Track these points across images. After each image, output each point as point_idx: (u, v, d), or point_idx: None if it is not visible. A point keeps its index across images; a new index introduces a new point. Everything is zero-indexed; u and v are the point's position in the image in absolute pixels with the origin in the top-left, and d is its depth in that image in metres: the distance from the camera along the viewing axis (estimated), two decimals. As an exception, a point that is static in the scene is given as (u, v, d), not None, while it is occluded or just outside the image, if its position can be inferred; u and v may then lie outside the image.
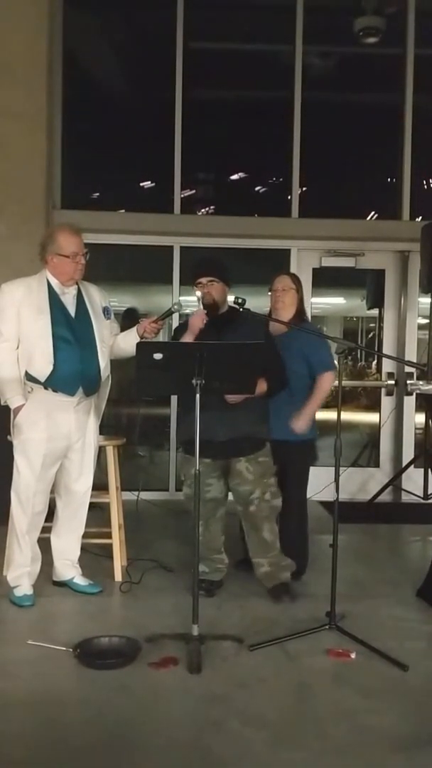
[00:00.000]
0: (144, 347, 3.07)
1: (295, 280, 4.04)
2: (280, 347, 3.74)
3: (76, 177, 6.13)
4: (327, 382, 3.82)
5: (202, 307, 3.44)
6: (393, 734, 2.44)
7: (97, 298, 3.60)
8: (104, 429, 3.87)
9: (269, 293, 4.06)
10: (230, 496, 3.68)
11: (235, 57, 6.53)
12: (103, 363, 3.51)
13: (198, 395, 2.95)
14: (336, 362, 3.34)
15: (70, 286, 3.48)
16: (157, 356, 2.97)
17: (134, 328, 3.60)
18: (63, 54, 5.94)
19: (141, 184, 6.62)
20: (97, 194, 6.56)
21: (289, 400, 3.77)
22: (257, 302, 6.07)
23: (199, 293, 3.46)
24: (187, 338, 3.40)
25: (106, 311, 3.61)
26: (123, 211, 6.30)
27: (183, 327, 3.59)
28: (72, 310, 3.48)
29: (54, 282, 3.46)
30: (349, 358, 7.75)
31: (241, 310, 3.50)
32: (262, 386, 3.48)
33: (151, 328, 3.54)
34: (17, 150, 5.51)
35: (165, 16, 6.08)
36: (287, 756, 2.31)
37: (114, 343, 3.61)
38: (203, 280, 3.55)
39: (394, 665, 2.91)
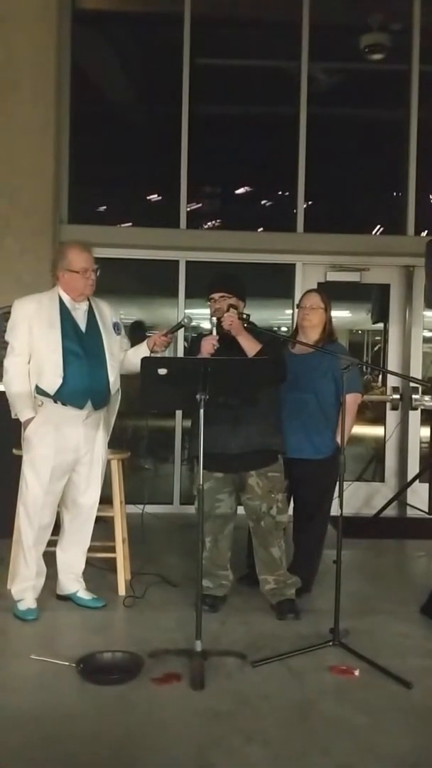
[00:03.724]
0: (149, 362, 3.08)
1: (324, 298, 3.95)
2: (308, 366, 3.76)
3: (83, 191, 6.17)
4: (352, 402, 3.77)
5: (215, 332, 3.43)
6: (396, 752, 2.43)
7: (107, 313, 3.64)
8: (109, 442, 3.87)
9: (297, 308, 4.04)
10: (239, 510, 3.68)
11: (241, 73, 6.58)
12: (112, 377, 3.54)
13: (202, 410, 2.96)
14: (343, 379, 3.33)
15: (81, 302, 3.53)
16: (162, 371, 2.98)
17: (144, 343, 3.63)
18: (71, 69, 5.99)
19: (148, 198, 6.66)
20: (104, 208, 6.61)
21: (321, 417, 3.79)
22: (263, 315, 6.13)
23: (214, 319, 3.46)
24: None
25: (116, 327, 3.65)
26: (130, 224, 6.34)
27: (195, 343, 3.61)
28: (83, 325, 3.52)
29: (65, 298, 3.51)
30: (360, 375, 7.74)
31: (245, 325, 3.52)
32: (258, 345, 3.46)
33: (161, 341, 3.57)
34: (25, 165, 5.56)
35: (172, 32, 6.14)
36: (290, 774, 2.30)
37: (124, 358, 3.64)
38: (215, 295, 3.58)
39: (398, 683, 2.90)
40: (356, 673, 2.99)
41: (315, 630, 3.37)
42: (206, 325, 3.54)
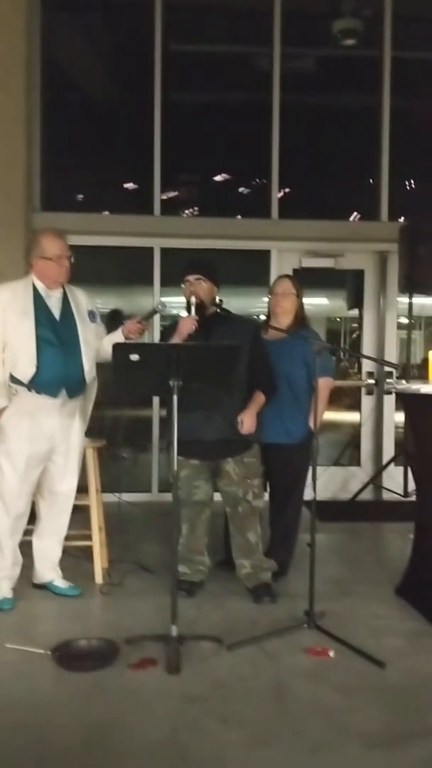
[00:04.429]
0: (120, 349, 3.06)
1: (296, 284, 3.98)
2: (280, 352, 3.76)
3: (57, 179, 6.12)
4: (324, 386, 3.80)
5: (194, 312, 3.44)
6: (370, 731, 2.46)
7: (82, 301, 3.62)
8: (85, 431, 3.87)
9: (269, 296, 4.06)
10: (216, 497, 3.69)
11: (214, 59, 6.55)
12: (87, 366, 3.52)
13: (175, 396, 2.96)
14: (315, 363, 3.36)
15: (55, 289, 3.50)
16: (134, 357, 2.97)
17: (119, 330, 3.61)
18: (42, 56, 5.93)
19: (125, 186, 6.62)
20: (81, 196, 6.56)
21: (294, 402, 3.81)
22: (240, 303, 6.13)
23: (193, 299, 3.45)
24: (175, 341, 3.40)
25: (91, 314, 3.63)
26: (107, 212, 6.30)
27: (171, 328, 3.59)
28: (57, 312, 3.50)
29: (39, 285, 3.48)
30: (333, 358, 7.79)
31: (218, 310, 3.53)
32: (260, 398, 3.57)
33: (135, 328, 3.56)
34: (-5, 152, 5.50)
35: (144, 19, 6.09)
36: (264, 755, 2.32)
37: (100, 346, 3.62)
38: (191, 278, 3.57)
39: (371, 663, 2.93)
40: (331, 654, 3.02)
41: (291, 613, 3.40)
42: (184, 314, 3.52)
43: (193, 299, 3.45)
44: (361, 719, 2.54)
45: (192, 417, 3.35)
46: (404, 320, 6.11)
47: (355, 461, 6.31)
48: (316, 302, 7.26)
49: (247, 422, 3.49)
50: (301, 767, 2.28)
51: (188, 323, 3.40)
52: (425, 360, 7.99)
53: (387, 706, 2.64)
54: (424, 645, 3.17)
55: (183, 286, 3.61)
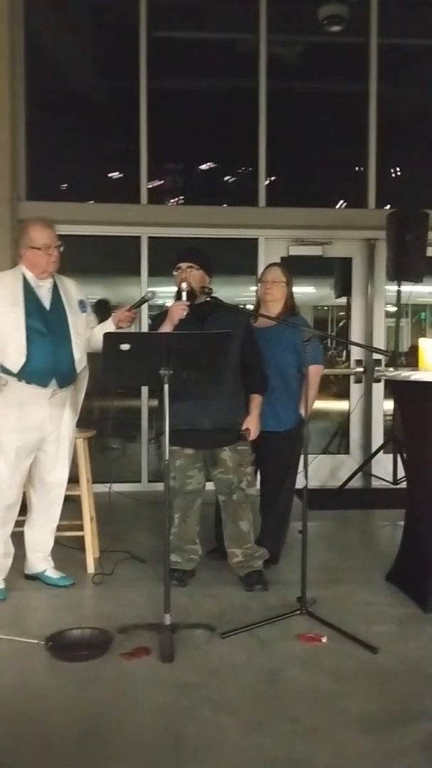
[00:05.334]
0: (111, 338, 3.04)
1: (285, 272, 3.98)
2: (270, 339, 3.76)
3: (43, 168, 6.07)
4: (314, 374, 3.81)
5: (185, 297, 3.43)
6: (363, 716, 2.48)
7: (72, 291, 3.60)
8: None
9: (258, 284, 4.05)
10: (208, 486, 3.70)
11: (200, 46, 6.50)
12: (78, 355, 3.51)
13: (166, 386, 2.95)
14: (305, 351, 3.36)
15: (44, 279, 3.48)
16: (124, 347, 2.95)
17: (110, 319, 3.61)
18: (25, 43, 5.86)
19: (109, 176, 6.57)
20: (65, 186, 6.51)
21: (284, 390, 3.82)
22: (228, 292, 6.12)
23: (184, 285, 3.44)
24: (166, 327, 3.40)
25: (81, 304, 3.61)
26: (92, 202, 6.26)
27: (161, 315, 3.58)
28: (47, 302, 3.48)
29: (29, 275, 3.47)
30: (321, 346, 7.79)
31: (208, 299, 3.52)
32: (258, 400, 3.63)
33: (126, 317, 3.56)
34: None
35: (129, 5, 6.03)
36: (258, 741, 2.33)
37: (91, 335, 3.61)
38: (183, 265, 3.56)
39: (364, 648, 2.95)
40: (323, 640, 3.04)
41: (283, 600, 3.41)
42: (171, 304, 3.51)
43: (183, 285, 3.45)
44: (355, 704, 2.55)
45: (188, 406, 3.35)
46: (392, 308, 6.13)
47: (344, 449, 6.33)
48: (303, 291, 7.26)
49: (253, 429, 3.58)
50: (296, 752, 2.29)
51: (179, 309, 3.39)
52: (413, 348, 8.04)
53: (380, 690, 2.66)
54: (415, 630, 3.19)
55: (175, 273, 3.60)
